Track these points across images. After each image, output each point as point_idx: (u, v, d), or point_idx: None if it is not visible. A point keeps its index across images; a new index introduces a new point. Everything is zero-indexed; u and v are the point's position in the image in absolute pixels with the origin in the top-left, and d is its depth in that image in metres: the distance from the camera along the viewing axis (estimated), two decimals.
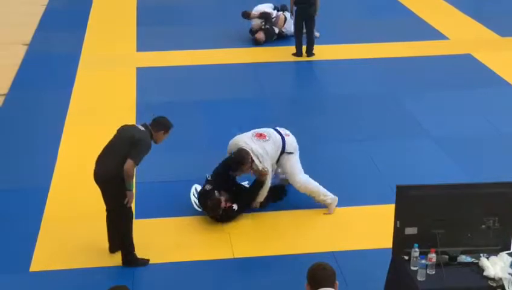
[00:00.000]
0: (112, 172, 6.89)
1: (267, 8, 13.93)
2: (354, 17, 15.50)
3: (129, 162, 6.80)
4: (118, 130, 7.24)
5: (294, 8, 12.77)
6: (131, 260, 7.20)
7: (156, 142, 7.17)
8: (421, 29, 14.54)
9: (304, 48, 12.91)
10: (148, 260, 7.25)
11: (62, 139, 9.87)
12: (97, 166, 7.09)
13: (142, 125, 7.12)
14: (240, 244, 7.57)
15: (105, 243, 7.45)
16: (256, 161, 7.83)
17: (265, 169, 7.86)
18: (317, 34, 13.41)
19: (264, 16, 13.69)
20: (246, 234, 7.78)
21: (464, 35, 14.22)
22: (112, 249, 7.38)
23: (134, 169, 6.92)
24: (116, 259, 7.28)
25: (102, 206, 8.25)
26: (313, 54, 12.95)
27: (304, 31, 12.85)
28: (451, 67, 12.61)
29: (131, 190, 6.94)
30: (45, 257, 7.36)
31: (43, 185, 8.70)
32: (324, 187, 8.23)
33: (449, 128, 10.21)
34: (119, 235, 7.20)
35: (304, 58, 12.91)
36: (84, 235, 7.71)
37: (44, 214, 8.10)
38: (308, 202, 8.29)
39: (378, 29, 14.49)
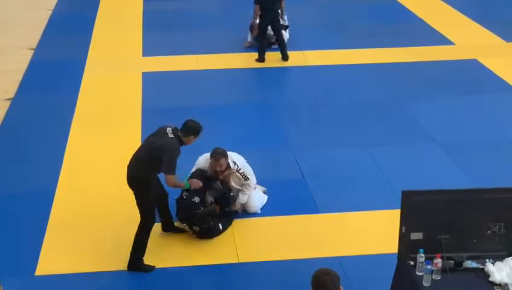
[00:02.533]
0: (134, 174, 7.12)
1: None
2: (359, 22, 15.52)
3: (168, 178, 7.07)
4: (152, 135, 7.29)
5: (259, 13, 12.79)
6: (136, 264, 7.21)
7: (185, 145, 7.24)
8: (426, 35, 14.54)
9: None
10: (154, 267, 7.26)
11: (68, 143, 9.89)
12: (127, 170, 7.26)
13: (172, 131, 7.12)
14: (245, 249, 7.57)
15: (110, 247, 7.51)
16: (231, 164, 7.86)
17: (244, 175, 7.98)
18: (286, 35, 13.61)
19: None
20: (251, 238, 7.78)
21: (470, 41, 14.21)
22: (165, 228, 7.78)
23: (175, 179, 7.13)
24: (122, 263, 7.28)
25: (107, 210, 8.31)
26: (288, 58, 13.01)
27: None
28: (457, 72, 12.60)
29: (189, 187, 7.50)
30: (51, 261, 7.37)
31: (49, 189, 8.72)
32: (330, 192, 8.52)
33: (455, 134, 10.19)
34: (135, 236, 7.24)
35: (305, 63, 12.93)
36: (89, 239, 7.73)
37: (50, 218, 8.12)
38: (313, 207, 8.29)
39: (383, 35, 14.49)
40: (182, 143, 7.13)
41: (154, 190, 7.25)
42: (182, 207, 7.75)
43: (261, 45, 12.98)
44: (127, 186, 8.74)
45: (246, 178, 8.01)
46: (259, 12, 12.80)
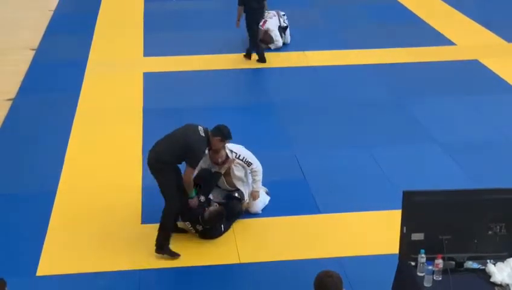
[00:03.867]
0: (159, 158, 7.31)
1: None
2: (360, 22, 15.50)
3: (188, 171, 7.32)
4: (183, 128, 7.50)
5: (244, 14, 12.75)
6: (162, 248, 7.37)
7: (210, 147, 7.52)
8: (427, 35, 14.53)
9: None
10: (179, 255, 7.40)
11: (69, 144, 9.89)
12: (150, 154, 7.41)
13: (203, 130, 7.42)
14: (246, 249, 7.57)
15: (111, 248, 7.52)
16: (229, 153, 7.85)
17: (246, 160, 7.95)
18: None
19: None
20: (252, 239, 7.77)
21: (471, 41, 14.20)
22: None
23: (192, 176, 7.40)
24: (123, 263, 7.29)
25: (109, 211, 8.29)
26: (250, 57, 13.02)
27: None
28: (458, 73, 12.60)
29: (193, 197, 7.53)
30: (52, 261, 7.38)
31: (50, 189, 8.72)
32: (331, 193, 8.55)
33: (456, 135, 10.19)
34: (160, 221, 7.46)
35: (306, 63, 12.93)
36: (90, 239, 7.73)
37: (51, 218, 8.12)
38: (314, 208, 8.29)
39: (384, 35, 14.49)
40: (209, 144, 7.43)
41: (174, 178, 7.43)
42: (187, 206, 7.75)
43: (257, 46, 12.95)
44: (127, 185, 8.78)
45: (249, 163, 7.94)
46: (241, 13, 12.77)
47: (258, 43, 12.98)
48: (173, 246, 7.61)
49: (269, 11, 13.89)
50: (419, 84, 12.09)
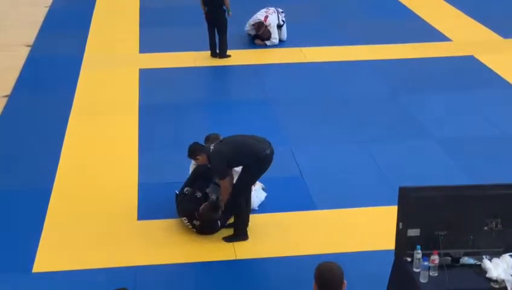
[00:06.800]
0: None
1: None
2: (356, 18, 15.51)
3: None
4: (233, 136, 7.70)
5: (206, 8, 12.74)
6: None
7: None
8: (423, 31, 14.54)
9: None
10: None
11: (65, 140, 9.87)
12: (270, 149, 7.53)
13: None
14: (243, 245, 7.57)
15: (107, 244, 7.51)
16: None
17: None
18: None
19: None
20: (249, 235, 7.77)
21: (467, 37, 14.21)
22: None
23: None
24: (120, 260, 7.29)
25: (105, 207, 8.27)
26: (228, 56, 12.96)
27: None
28: (454, 68, 12.61)
29: None
30: (48, 258, 7.37)
31: (46, 185, 8.71)
32: (327, 189, 8.53)
33: (452, 130, 10.20)
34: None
35: (303, 59, 12.93)
36: (86, 236, 7.72)
37: (47, 215, 8.10)
38: (310, 204, 8.30)
39: (380, 31, 14.49)
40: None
41: None
42: (183, 201, 7.75)
43: (210, 40, 12.91)
44: (123, 181, 8.78)
45: None
46: (205, 8, 12.73)
47: (211, 38, 12.90)
48: (171, 243, 7.63)
49: (269, 8, 13.89)
50: (415, 80, 12.09)
